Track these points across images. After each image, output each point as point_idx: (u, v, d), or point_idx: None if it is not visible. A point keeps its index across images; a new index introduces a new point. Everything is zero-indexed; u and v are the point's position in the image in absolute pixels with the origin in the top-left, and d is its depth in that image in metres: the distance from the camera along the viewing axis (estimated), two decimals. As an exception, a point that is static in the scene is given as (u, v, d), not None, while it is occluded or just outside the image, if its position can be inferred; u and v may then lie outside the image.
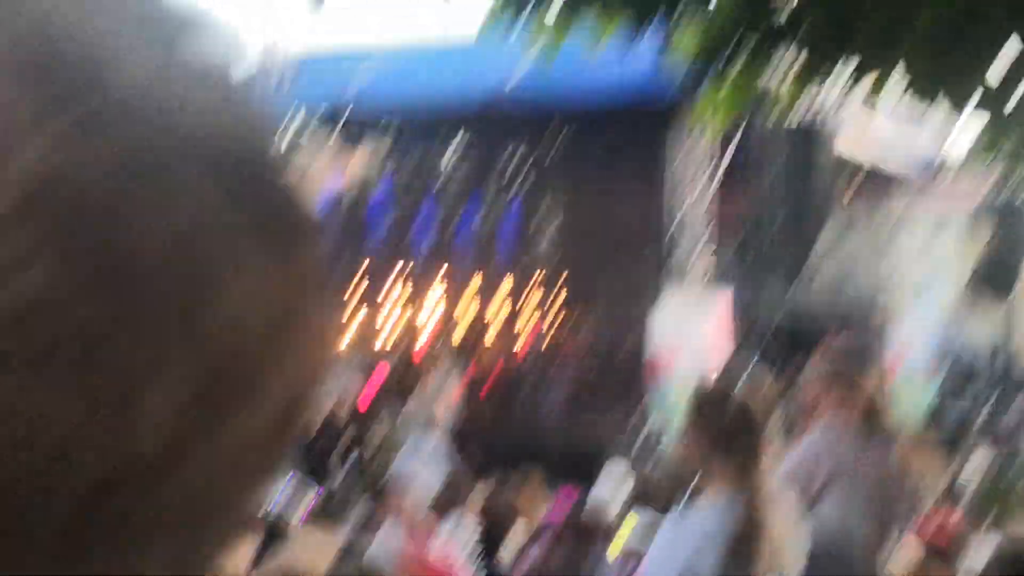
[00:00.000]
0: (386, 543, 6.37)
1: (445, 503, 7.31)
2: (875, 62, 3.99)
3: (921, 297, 28.94)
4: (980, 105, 3.98)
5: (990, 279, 22.87)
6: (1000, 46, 3.70)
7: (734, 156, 16.93)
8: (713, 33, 4.76)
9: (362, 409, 16.09)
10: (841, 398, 3.72)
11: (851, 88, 4.58)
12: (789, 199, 17.71)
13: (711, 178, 16.76)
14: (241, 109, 0.38)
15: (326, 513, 8.54)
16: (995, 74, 3.70)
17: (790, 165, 17.56)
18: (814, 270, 22.87)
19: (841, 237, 27.76)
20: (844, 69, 4.87)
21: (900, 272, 23.03)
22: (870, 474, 3.50)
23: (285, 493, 9.70)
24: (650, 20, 4.46)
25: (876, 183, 21.58)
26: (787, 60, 5.32)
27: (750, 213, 18.10)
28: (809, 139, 17.41)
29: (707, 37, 4.75)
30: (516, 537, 7.74)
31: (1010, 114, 4.03)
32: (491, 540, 7.33)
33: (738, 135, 16.36)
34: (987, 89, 3.97)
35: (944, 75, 3.62)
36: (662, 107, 15.47)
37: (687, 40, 4.74)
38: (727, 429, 2.99)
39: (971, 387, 27.88)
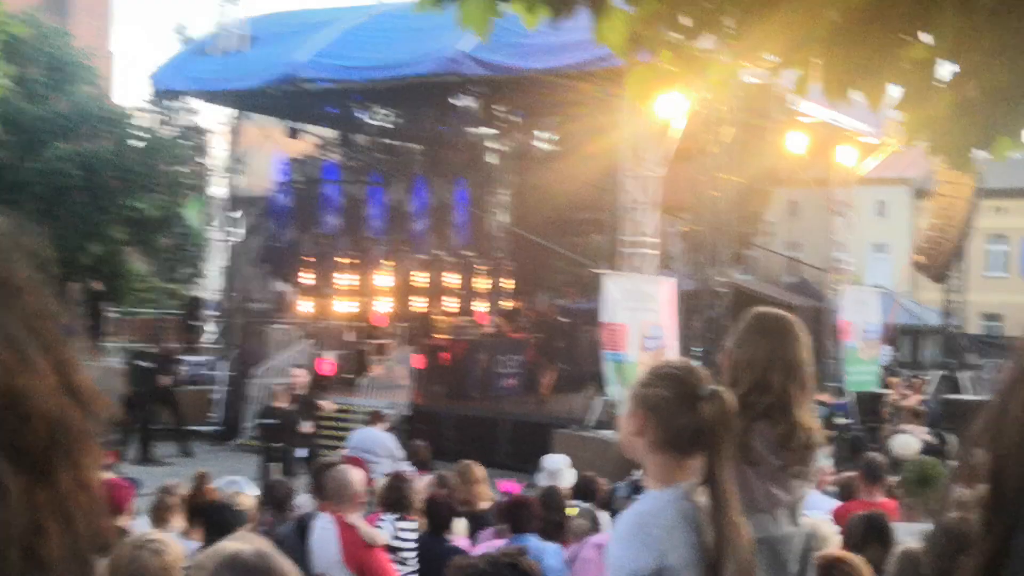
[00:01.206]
0: (324, 536, 6.36)
1: (390, 499, 7.28)
2: (790, 62, 3.97)
3: (869, 268, 29.30)
4: (899, 105, 3.97)
5: (935, 249, 23.12)
6: (908, 44, 3.69)
7: (682, 130, 16.86)
8: (636, 26, 4.72)
9: (312, 396, 16.01)
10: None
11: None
12: (739, 172, 17.69)
13: (661, 154, 16.70)
14: None
15: (270, 501, 8.50)
16: (905, 72, 3.68)
17: (742, 134, 17.48)
18: (764, 246, 23.06)
19: (791, 211, 27.92)
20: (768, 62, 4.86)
21: (849, 243, 23.22)
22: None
23: (234, 482, 9.66)
24: (570, 12, 4.40)
25: (830, 140, 21.57)
26: (713, 50, 5.29)
27: (699, 188, 18.09)
28: (761, 102, 17.33)
29: (629, 28, 4.71)
30: (460, 528, 7.75)
31: (925, 110, 4.03)
32: (436, 531, 7.32)
33: (684, 111, 16.29)
34: (902, 85, 3.96)
35: (856, 75, 3.60)
36: (612, 72, 15.13)
37: (611, 28, 4.70)
38: (695, 423, 2.87)
39: (920, 354, 28.23)
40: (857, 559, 4.28)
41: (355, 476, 6.62)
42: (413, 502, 7.36)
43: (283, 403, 15.08)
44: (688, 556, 2.74)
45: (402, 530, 7.09)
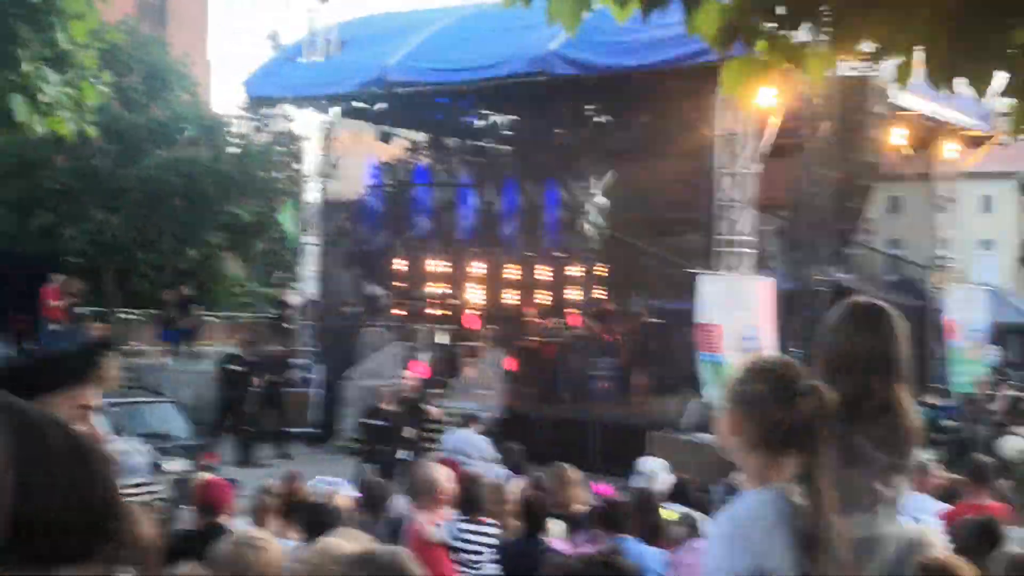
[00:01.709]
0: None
1: (460, 500, 7.22)
2: (891, 49, 3.78)
3: (975, 265, 28.45)
4: (1005, 92, 3.76)
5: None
6: (1014, 28, 3.48)
7: (778, 126, 16.53)
8: (730, 16, 4.57)
9: (420, 400, 16.00)
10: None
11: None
12: (838, 168, 17.27)
13: (756, 150, 16.39)
14: None
15: (366, 502, 8.48)
16: (1012, 58, 3.48)
17: (841, 129, 17.07)
18: (865, 243, 22.51)
19: (893, 207, 27.28)
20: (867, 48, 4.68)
21: (953, 240, 22.61)
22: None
23: (331, 483, 9.68)
24: (663, 4, 4.26)
25: (932, 134, 21.06)
26: (810, 40, 5.11)
27: (796, 185, 17.72)
28: (859, 95, 16.94)
29: (724, 19, 4.55)
30: (555, 530, 7.64)
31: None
32: (531, 532, 7.24)
33: (780, 107, 15.97)
34: (1010, 72, 3.75)
35: (960, 62, 3.41)
36: (705, 68, 14.64)
37: (705, 20, 4.56)
38: (792, 419, 2.78)
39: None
40: (963, 564, 4.06)
41: (437, 474, 6.58)
42: (484, 503, 7.30)
43: (389, 405, 15.13)
44: (786, 559, 2.66)
45: (469, 531, 7.03)
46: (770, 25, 4.51)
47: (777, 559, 2.66)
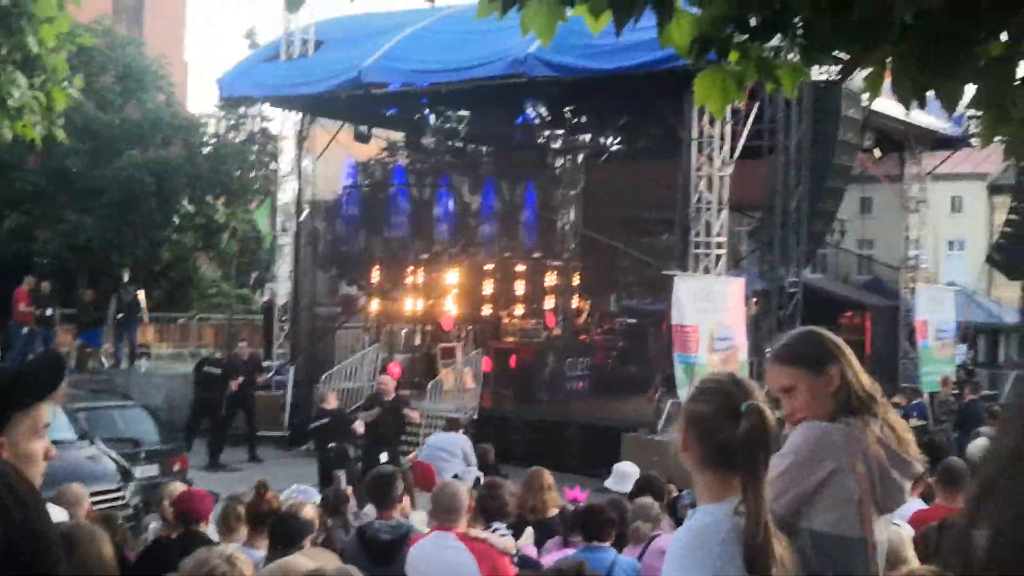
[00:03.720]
0: (445, 555, 5.97)
1: (489, 507, 7.08)
2: (861, 62, 3.84)
3: (944, 265, 28.65)
4: (974, 104, 3.82)
5: (1013, 246, 22.56)
6: (989, 41, 3.54)
7: (751, 128, 16.65)
8: (703, 28, 4.62)
9: (400, 403, 15.86)
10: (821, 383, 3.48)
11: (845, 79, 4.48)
12: (810, 170, 17.41)
13: (730, 152, 16.51)
14: None
15: (330, 510, 8.47)
16: (982, 70, 3.54)
17: (813, 132, 17.23)
18: (835, 245, 22.72)
19: (864, 208, 27.43)
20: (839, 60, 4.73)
21: (924, 240, 22.82)
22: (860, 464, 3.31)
23: (302, 491, 9.65)
24: (637, 15, 4.30)
25: (905, 138, 21.30)
26: (783, 50, 5.16)
27: (770, 186, 17.85)
28: (832, 99, 17.10)
29: (697, 31, 4.60)
30: (528, 534, 7.66)
31: (1003, 108, 3.87)
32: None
33: (754, 109, 16.08)
34: (979, 85, 3.81)
35: (930, 78, 3.46)
36: (680, 72, 14.67)
37: (678, 32, 4.61)
38: (732, 439, 2.82)
39: (998, 354, 27.57)
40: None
41: (462, 489, 6.37)
42: (511, 509, 7.17)
43: (330, 405, 15.01)
44: (740, 573, 2.71)
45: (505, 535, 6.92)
46: (742, 37, 4.56)
47: (733, 571, 2.71)
